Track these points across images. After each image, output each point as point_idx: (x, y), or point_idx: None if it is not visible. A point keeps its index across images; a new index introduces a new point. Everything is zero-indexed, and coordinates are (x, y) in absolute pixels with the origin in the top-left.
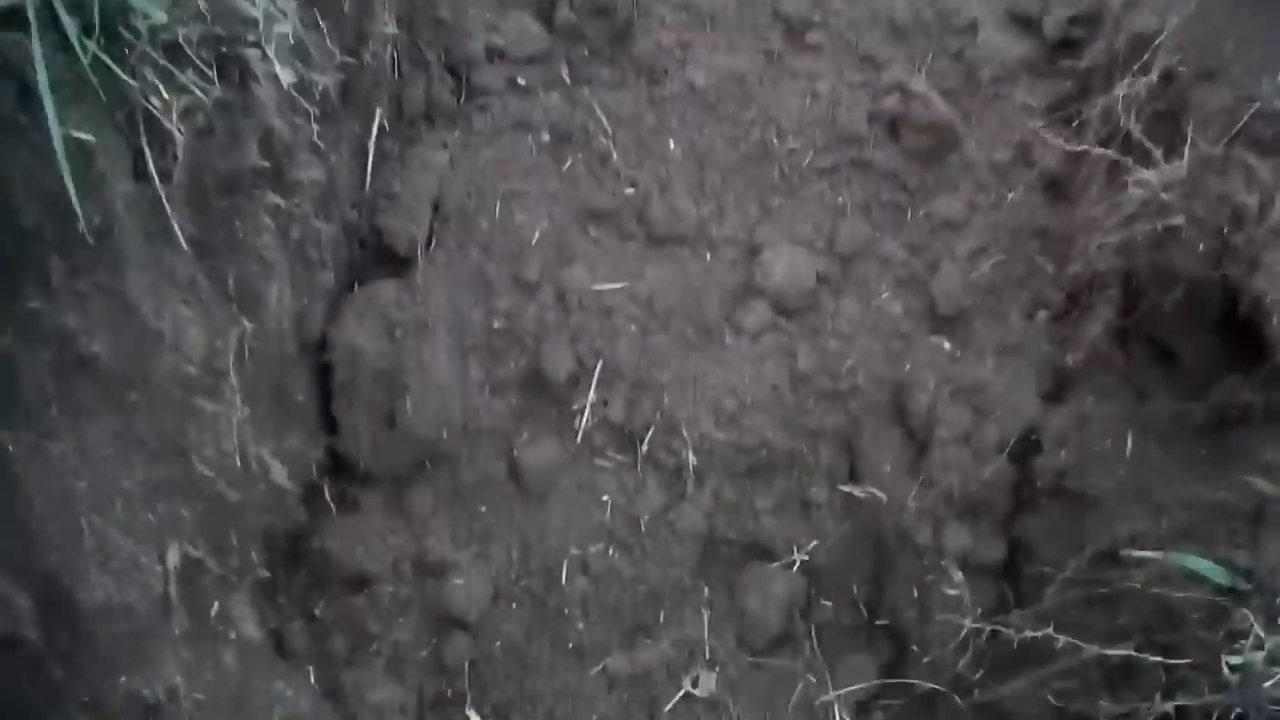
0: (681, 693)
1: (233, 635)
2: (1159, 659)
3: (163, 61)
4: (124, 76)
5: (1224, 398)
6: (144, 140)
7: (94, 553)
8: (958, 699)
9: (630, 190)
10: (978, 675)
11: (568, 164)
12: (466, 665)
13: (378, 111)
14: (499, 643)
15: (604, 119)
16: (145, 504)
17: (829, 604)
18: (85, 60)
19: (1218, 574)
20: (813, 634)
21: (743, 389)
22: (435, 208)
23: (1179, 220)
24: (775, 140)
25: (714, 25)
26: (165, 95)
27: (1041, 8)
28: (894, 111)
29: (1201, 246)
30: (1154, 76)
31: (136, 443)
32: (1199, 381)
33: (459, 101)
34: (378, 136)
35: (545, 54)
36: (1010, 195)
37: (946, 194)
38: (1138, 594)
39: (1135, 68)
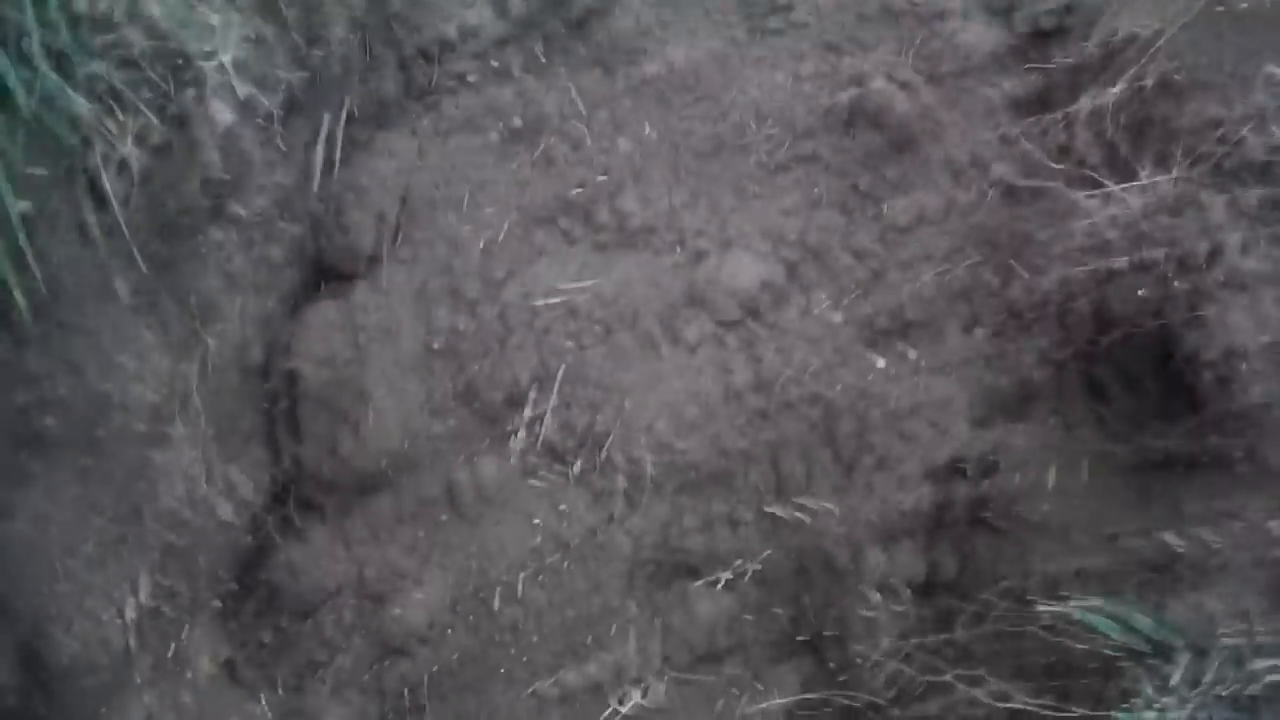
0: (611, 709)
1: (189, 673)
2: (1053, 706)
3: (111, 102)
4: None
5: (1150, 442)
6: (86, 203)
7: (58, 618)
8: (877, 715)
9: (577, 190)
10: (894, 693)
11: (515, 164)
12: (407, 690)
13: (325, 119)
14: (437, 667)
15: (554, 115)
16: (102, 565)
17: (755, 620)
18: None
19: (1116, 632)
20: (740, 650)
21: (680, 407)
22: (382, 219)
23: (1123, 264)
24: (729, 135)
25: (675, 11)
26: (112, 134)
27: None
28: (854, 106)
29: (1143, 293)
30: (1124, 89)
31: (90, 508)
32: (1128, 423)
33: (408, 99)
34: (327, 144)
35: (499, 46)
36: (963, 199)
37: (900, 196)
38: (1041, 637)
39: (1104, 77)
